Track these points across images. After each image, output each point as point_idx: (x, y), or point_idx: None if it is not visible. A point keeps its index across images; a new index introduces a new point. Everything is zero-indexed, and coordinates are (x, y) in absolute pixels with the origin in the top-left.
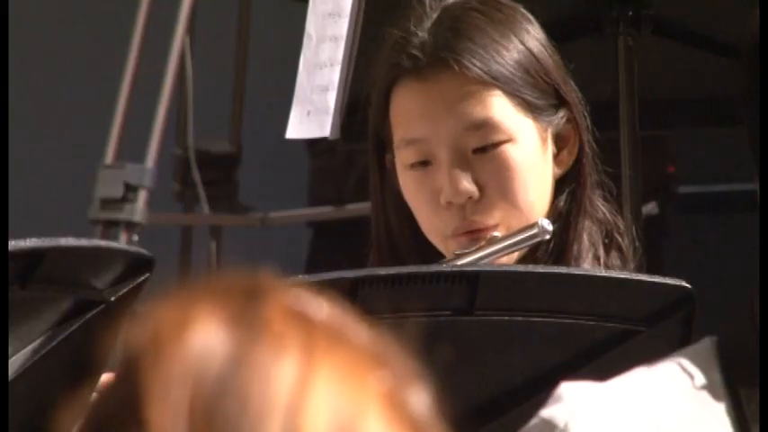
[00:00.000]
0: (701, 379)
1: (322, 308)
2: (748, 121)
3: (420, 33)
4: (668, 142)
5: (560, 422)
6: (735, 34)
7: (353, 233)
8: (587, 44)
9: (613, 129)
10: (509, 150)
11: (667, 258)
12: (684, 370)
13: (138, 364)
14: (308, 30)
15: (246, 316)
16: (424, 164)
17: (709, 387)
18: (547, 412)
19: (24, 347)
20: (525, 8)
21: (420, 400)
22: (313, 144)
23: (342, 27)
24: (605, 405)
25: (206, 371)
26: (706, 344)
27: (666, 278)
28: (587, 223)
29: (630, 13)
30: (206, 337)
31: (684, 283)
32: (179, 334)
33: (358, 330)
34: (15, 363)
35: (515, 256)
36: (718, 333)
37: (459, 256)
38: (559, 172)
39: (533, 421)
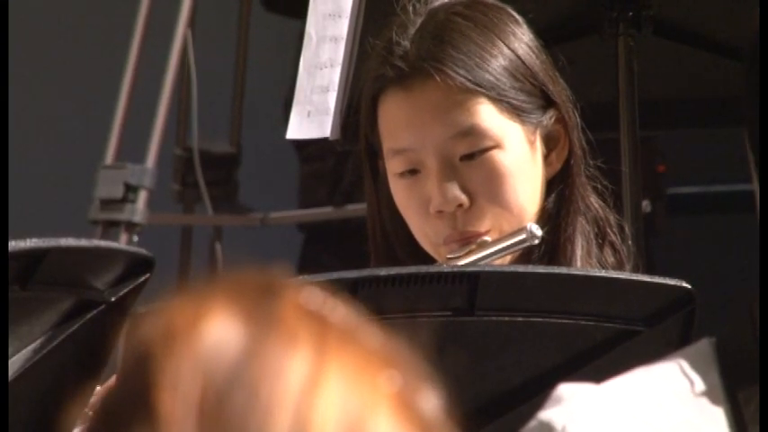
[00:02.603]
0: (699, 383)
1: (335, 309)
2: (749, 122)
3: (403, 42)
4: (658, 142)
5: (558, 425)
6: (735, 34)
7: (345, 237)
8: (587, 44)
9: (613, 129)
10: (497, 156)
11: (657, 258)
12: (684, 373)
13: (150, 355)
14: (308, 30)
15: (259, 312)
16: (412, 172)
17: (708, 391)
18: (545, 414)
19: (25, 348)
20: (526, 9)
21: (430, 401)
22: (302, 149)
23: (342, 27)
24: (603, 407)
25: (218, 363)
26: (705, 345)
27: (666, 278)
28: (581, 223)
29: (630, 14)
30: (219, 330)
31: (685, 283)
32: (192, 327)
33: (370, 332)
34: (15, 363)
35: (508, 259)
36: (712, 334)
37: (450, 261)
38: (550, 172)
39: (531, 423)
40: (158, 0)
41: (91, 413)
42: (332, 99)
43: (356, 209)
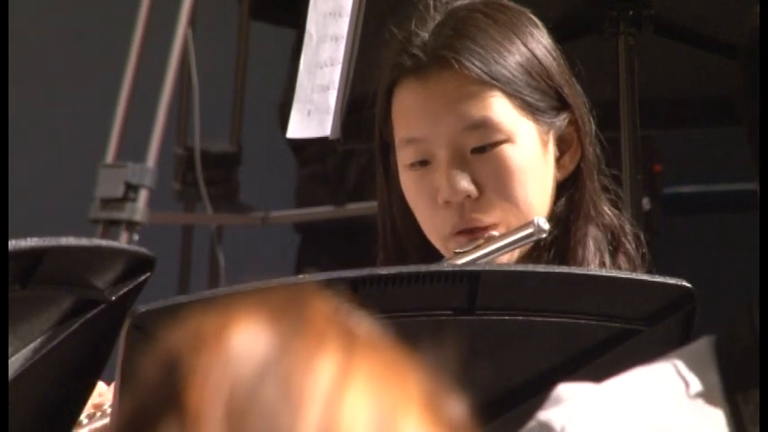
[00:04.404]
0: (696, 384)
1: (361, 320)
2: (746, 120)
3: (422, 33)
4: (654, 141)
5: (557, 425)
6: (735, 34)
7: (343, 237)
8: (588, 44)
9: (614, 128)
10: (507, 150)
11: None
12: (679, 373)
13: (179, 356)
14: (308, 29)
15: (287, 316)
16: (423, 163)
17: (705, 391)
18: (544, 415)
19: (25, 347)
20: (526, 9)
21: (457, 408)
22: (300, 151)
23: (342, 26)
24: (602, 408)
25: (246, 362)
26: (703, 344)
27: (667, 277)
28: (592, 229)
29: (631, 13)
30: (247, 334)
31: (685, 283)
32: (221, 329)
33: (394, 343)
34: (16, 362)
35: (516, 256)
36: (711, 333)
37: (458, 255)
38: (562, 174)
39: (531, 423)
40: (158, 0)
41: (109, 412)
42: (332, 98)
43: (357, 208)
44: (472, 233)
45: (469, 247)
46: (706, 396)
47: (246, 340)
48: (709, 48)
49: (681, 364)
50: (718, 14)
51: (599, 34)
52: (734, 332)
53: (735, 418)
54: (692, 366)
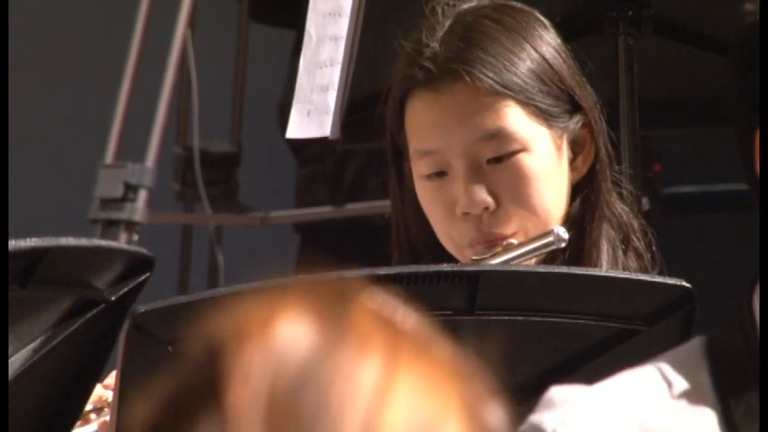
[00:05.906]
0: (680, 384)
1: (407, 318)
2: (735, 118)
3: (432, 44)
4: (653, 141)
5: (548, 428)
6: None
7: (343, 237)
8: (587, 44)
9: (614, 128)
10: (523, 159)
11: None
12: (663, 375)
13: (222, 349)
14: (308, 29)
15: (333, 315)
16: (439, 174)
17: (692, 391)
18: (536, 418)
19: (24, 347)
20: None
21: (496, 414)
22: (299, 151)
23: (342, 26)
24: (594, 411)
25: (289, 360)
26: (695, 344)
27: (667, 277)
28: (606, 229)
29: (630, 13)
30: (292, 330)
31: (685, 283)
32: (265, 325)
33: (440, 343)
34: (15, 362)
35: (533, 262)
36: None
37: (475, 263)
38: (576, 177)
39: (523, 426)
40: (158, 0)
41: (154, 401)
42: (332, 98)
43: (357, 208)
44: (490, 242)
45: (487, 255)
46: (691, 395)
47: (291, 338)
48: (710, 48)
49: (666, 367)
50: (718, 14)
51: (599, 34)
52: (725, 331)
53: (726, 418)
54: (679, 368)
